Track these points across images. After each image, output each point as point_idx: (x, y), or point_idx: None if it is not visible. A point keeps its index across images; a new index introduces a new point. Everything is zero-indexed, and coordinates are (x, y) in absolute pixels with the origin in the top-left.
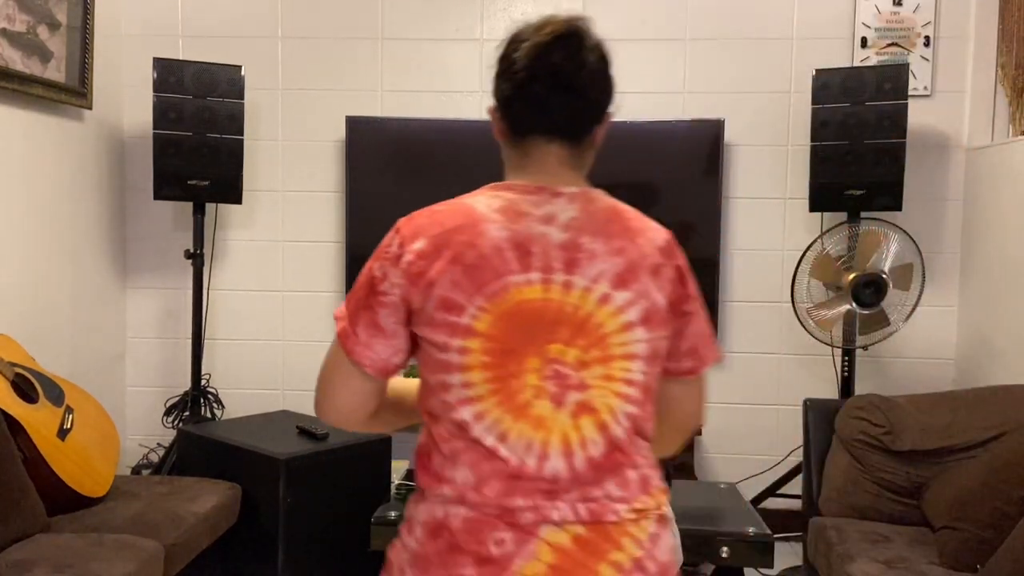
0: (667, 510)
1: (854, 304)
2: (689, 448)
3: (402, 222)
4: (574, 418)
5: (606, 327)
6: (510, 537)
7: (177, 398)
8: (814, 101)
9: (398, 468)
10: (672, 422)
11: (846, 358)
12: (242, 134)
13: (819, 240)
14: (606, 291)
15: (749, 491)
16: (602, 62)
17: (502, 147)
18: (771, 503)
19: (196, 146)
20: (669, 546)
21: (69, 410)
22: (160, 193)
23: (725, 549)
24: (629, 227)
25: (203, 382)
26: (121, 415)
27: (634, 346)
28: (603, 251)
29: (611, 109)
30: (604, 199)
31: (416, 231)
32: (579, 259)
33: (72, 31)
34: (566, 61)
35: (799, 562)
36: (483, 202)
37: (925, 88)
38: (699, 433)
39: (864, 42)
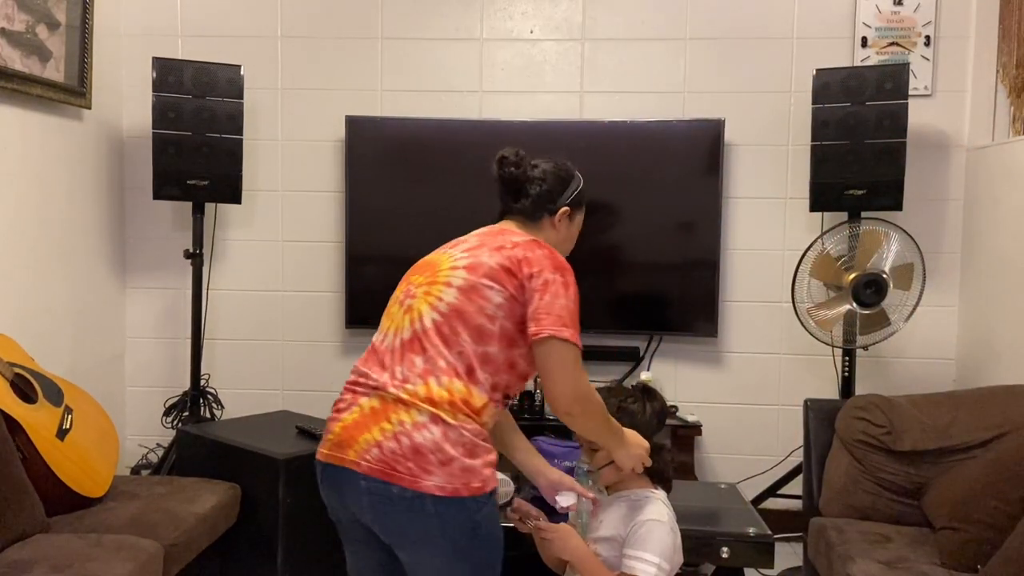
0: (449, 419)
1: (854, 304)
2: (689, 448)
3: None
4: (404, 314)
5: (441, 267)
6: (349, 399)
7: (177, 398)
8: (814, 101)
9: None
10: (544, 391)
11: (846, 358)
12: (242, 134)
13: (819, 240)
14: (455, 253)
15: (749, 491)
16: (540, 172)
17: None
18: (771, 503)
19: (195, 146)
20: (432, 439)
21: (68, 410)
22: (160, 193)
23: (725, 549)
24: (502, 235)
25: (203, 382)
26: (121, 415)
27: (453, 279)
28: (475, 242)
29: (561, 203)
30: (511, 229)
31: None
32: (462, 244)
33: (71, 31)
34: (506, 173)
35: (799, 562)
36: None
37: (925, 88)
38: (699, 433)
39: (864, 42)
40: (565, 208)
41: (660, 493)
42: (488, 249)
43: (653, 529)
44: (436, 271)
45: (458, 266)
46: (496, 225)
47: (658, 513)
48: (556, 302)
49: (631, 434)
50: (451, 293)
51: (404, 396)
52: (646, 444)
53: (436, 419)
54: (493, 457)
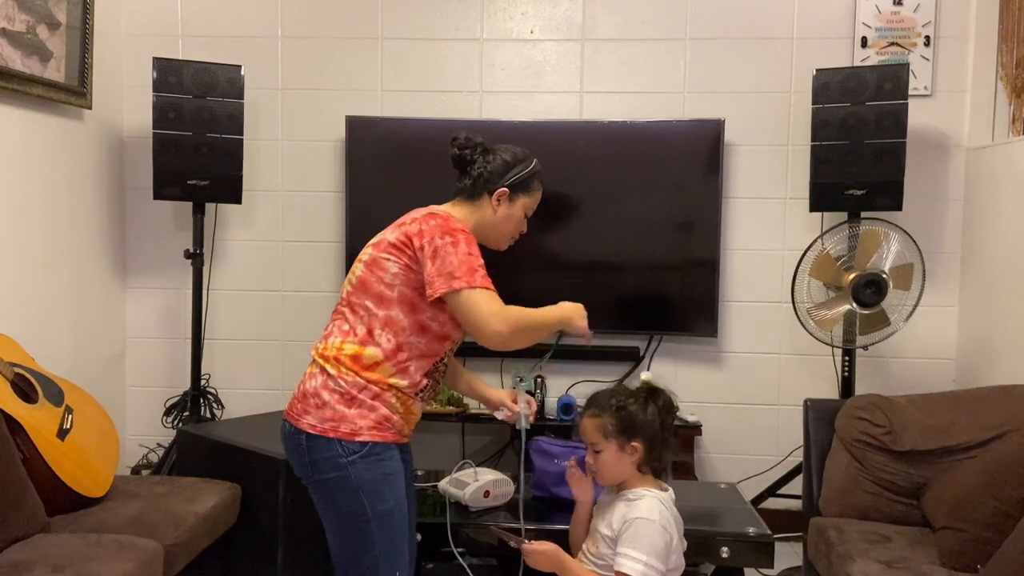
0: (332, 370)
1: (854, 304)
2: (689, 448)
3: None
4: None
5: (364, 249)
6: None
7: (177, 398)
8: (814, 101)
9: None
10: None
11: (846, 358)
12: (242, 134)
13: (819, 240)
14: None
15: (749, 491)
16: (481, 154)
17: None
18: (771, 503)
19: (196, 146)
20: (315, 385)
21: (68, 410)
22: (160, 193)
23: (725, 549)
24: (414, 213)
25: (203, 382)
26: (121, 415)
27: (363, 256)
28: (397, 222)
29: (501, 183)
30: (436, 207)
31: None
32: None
33: (72, 31)
34: (455, 153)
35: (799, 562)
36: None
37: (925, 88)
38: (699, 433)
39: (864, 42)
40: (504, 189)
41: (660, 493)
42: (393, 227)
43: (641, 526)
44: (362, 254)
45: (370, 244)
46: (430, 206)
47: (648, 511)
48: (446, 261)
49: (565, 307)
50: (360, 267)
51: (313, 354)
52: (578, 308)
53: (322, 371)
54: (376, 415)
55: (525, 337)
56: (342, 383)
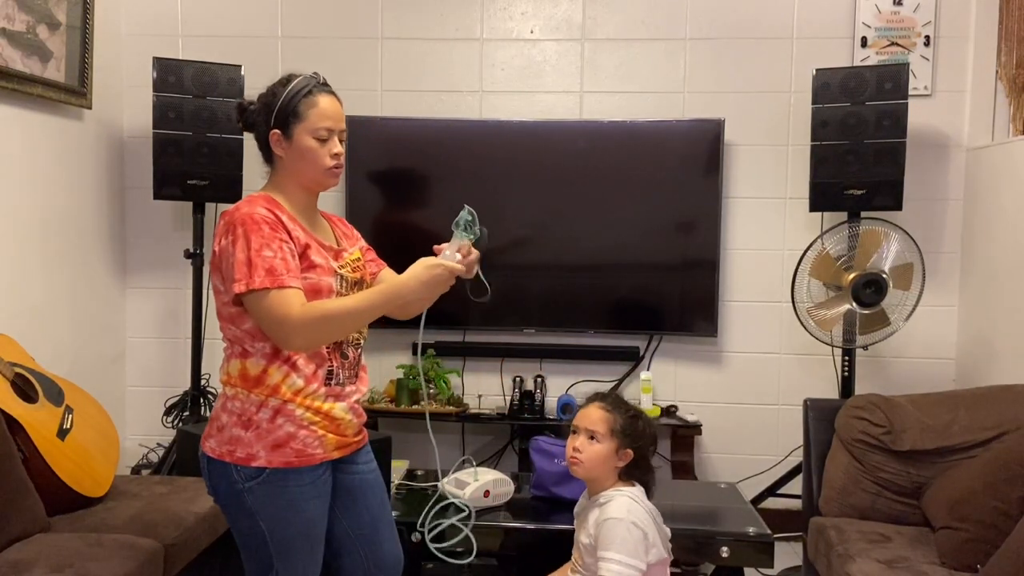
0: (229, 392)
1: (854, 304)
2: (689, 448)
3: None
4: None
5: None
6: None
7: (177, 398)
8: (814, 101)
9: (398, 468)
10: None
11: (846, 358)
12: (242, 134)
13: (819, 240)
14: None
15: (749, 491)
16: (255, 104)
17: None
18: (771, 503)
19: (196, 146)
20: (216, 408)
21: (69, 410)
22: (160, 193)
23: (725, 549)
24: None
25: (203, 382)
26: (121, 415)
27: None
28: None
29: (270, 131)
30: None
31: None
32: None
33: (72, 31)
34: (237, 126)
35: (799, 562)
36: None
37: (925, 88)
38: (699, 433)
39: (864, 42)
40: (273, 132)
41: (629, 489)
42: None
43: (612, 527)
44: None
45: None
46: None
47: (616, 510)
48: (228, 263)
49: (415, 272)
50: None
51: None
52: (429, 270)
53: (223, 394)
54: (275, 436)
55: (335, 334)
56: (238, 404)
